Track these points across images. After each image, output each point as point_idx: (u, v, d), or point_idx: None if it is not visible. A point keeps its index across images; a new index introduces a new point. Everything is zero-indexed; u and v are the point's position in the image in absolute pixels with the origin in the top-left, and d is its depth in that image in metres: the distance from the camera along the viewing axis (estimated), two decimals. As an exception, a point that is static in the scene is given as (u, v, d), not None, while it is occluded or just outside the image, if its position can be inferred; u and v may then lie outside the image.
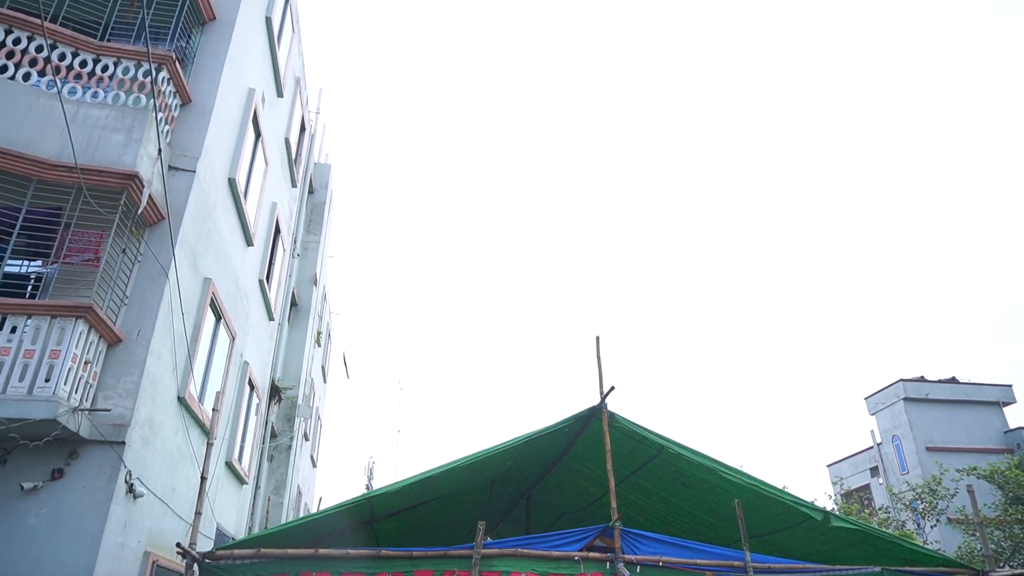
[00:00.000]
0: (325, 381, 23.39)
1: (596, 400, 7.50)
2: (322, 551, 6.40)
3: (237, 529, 12.05)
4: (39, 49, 8.07)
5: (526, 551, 6.36)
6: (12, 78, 7.82)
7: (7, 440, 6.48)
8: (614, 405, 7.59)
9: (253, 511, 13.37)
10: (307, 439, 18.73)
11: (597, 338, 7.68)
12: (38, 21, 8.09)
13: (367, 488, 37.84)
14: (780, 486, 7.70)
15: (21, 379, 6.48)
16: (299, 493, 17.75)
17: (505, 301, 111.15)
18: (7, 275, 7.26)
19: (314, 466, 22.12)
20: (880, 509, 24.02)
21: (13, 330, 6.70)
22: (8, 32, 7.99)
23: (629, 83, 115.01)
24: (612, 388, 7.38)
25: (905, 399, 29.41)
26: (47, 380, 6.50)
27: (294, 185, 15.37)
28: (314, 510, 20.62)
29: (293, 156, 14.69)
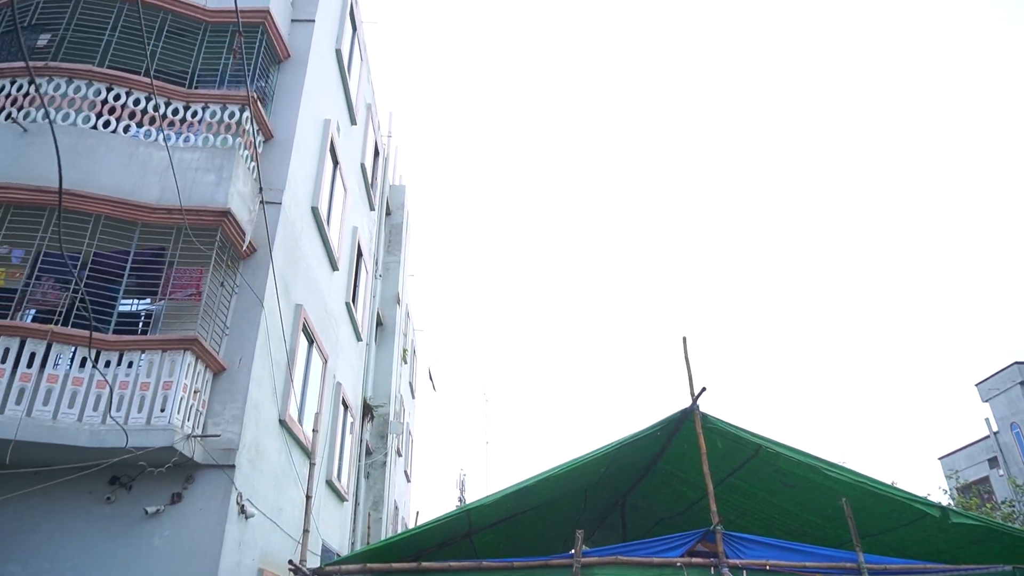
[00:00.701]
0: (413, 397, 23.90)
1: (687, 402, 7.38)
2: (425, 564, 6.54)
3: (341, 545, 12.45)
4: (136, 102, 8.66)
5: (627, 558, 6.31)
6: (114, 131, 8.42)
7: (130, 468, 6.95)
8: (706, 406, 7.45)
9: (354, 527, 13.78)
10: (400, 455, 19.17)
11: (684, 339, 7.56)
12: (134, 77, 8.70)
13: (460, 501, 38.33)
14: (888, 482, 7.34)
15: (140, 410, 6.94)
16: (396, 508, 18.17)
17: (588, 306, 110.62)
18: (121, 314, 7.78)
19: (408, 481, 22.59)
20: (1004, 503, 22.46)
21: (130, 365, 7.19)
22: (109, 89, 8.61)
23: (713, 83, 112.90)
24: (703, 389, 7.24)
25: (1023, 383, 27.43)
26: (162, 410, 6.94)
27: (372, 208, 15.84)
28: (411, 524, 21.01)
29: (369, 180, 15.16)
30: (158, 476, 7.06)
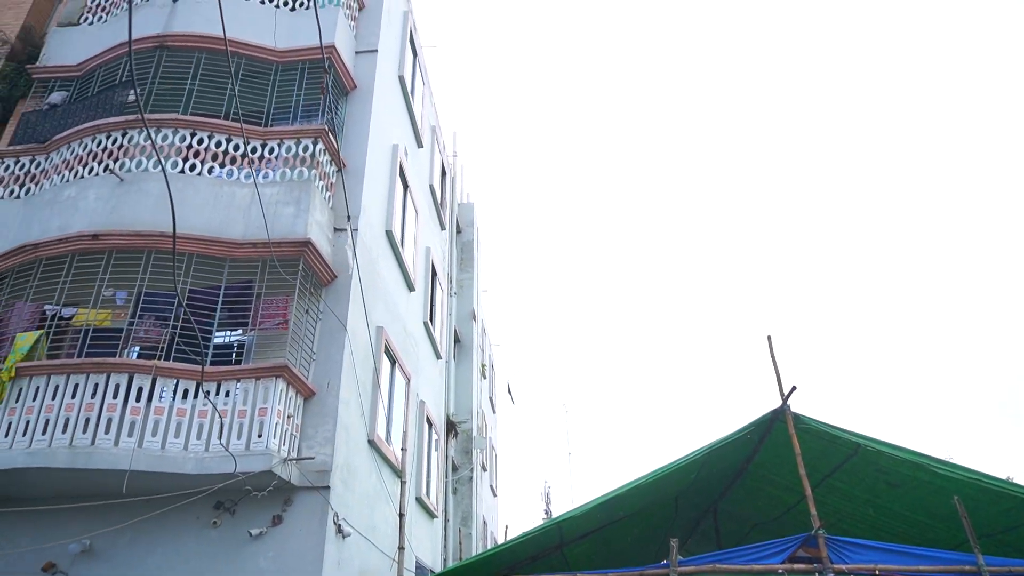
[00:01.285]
0: (494, 412, 24.06)
1: (777, 402, 7.16)
2: (518, 578, 6.56)
3: (433, 562, 12.62)
4: (218, 144, 9.13)
5: (725, 566, 6.15)
6: (199, 173, 8.89)
7: (233, 492, 7.27)
8: (798, 405, 7.20)
9: (445, 543, 13.94)
10: (485, 470, 19.31)
11: (768, 338, 7.35)
12: (215, 120, 9.18)
13: (545, 513, 38.20)
14: (1004, 477, 6.90)
15: (239, 437, 7.26)
16: (484, 523, 18.29)
17: (667, 310, 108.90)
18: (216, 346, 8.19)
19: (494, 495, 22.71)
20: None
21: (227, 394, 7.55)
22: (193, 135, 9.12)
23: (790, 86, 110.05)
24: (793, 388, 7.02)
25: None
26: (259, 435, 7.24)
27: (443, 227, 16.12)
28: (500, 538, 21.10)
29: (439, 200, 15.45)
30: (259, 499, 7.35)
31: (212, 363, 7.84)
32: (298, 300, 8.28)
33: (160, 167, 8.82)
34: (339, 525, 7.66)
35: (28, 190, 9.32)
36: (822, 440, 7.19)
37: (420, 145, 13.92)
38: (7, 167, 9.58)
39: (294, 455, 7.62)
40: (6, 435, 7.15)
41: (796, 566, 6.08)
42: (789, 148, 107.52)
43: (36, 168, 9.52)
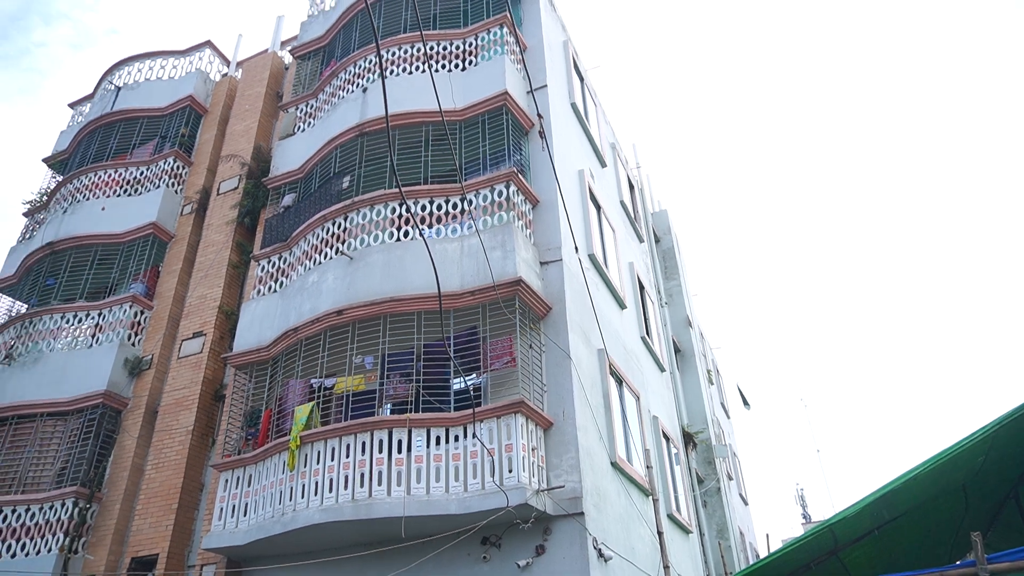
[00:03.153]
0: (728, 417, 23.08)
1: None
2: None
3: (697, 578, 12.28)
4: (423, 207, 9.91)
5: (1049, 559, 5.29)
6: (412, 238, 9.70)
7: (497, 527, 7.67)
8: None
9: (705, 559, 13.51)
10: (731, 479, 18.51)
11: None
12: (416, 187, 9.99)
13: (804, 518, 35.61)
14: None
15: (492, 474, 7.68)
16: (741, 534, 17.47)
17: (901, 284, 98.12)
18: (455, 392, 8.78)
19: (745, 504, 21.64)
20: None
21: (473, 436, 8.03)
22: (401, 204, 10.00)
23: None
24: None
25: None
26: (510, 471, 7.60)
27: (640, 240, 16.00)
28: (760, 549, 19.99)
29: (631, 214, 15.39)
30: (521, 532, 7.69)
31: (455, 408, 8.41)
32: (520, 336, 8.65)
33: (379, 240, 9.78)
34: (599, 549, 7.76)
35: (281, 283, 10.77)
36: None
37: (603, 165, 14.02)
38: (263, 267, 11.17)
39: (544, 485, 7.88)
40: (301, 496, 8.20)
41: None
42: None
43: (284, 263, 10.98)
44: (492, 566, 7.80)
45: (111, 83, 15.92)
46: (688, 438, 14.86)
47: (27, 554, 10.05)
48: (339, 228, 10.20)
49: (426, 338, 8.98)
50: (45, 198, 15.18)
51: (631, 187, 16.73)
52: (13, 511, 10.42)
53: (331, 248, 10.17)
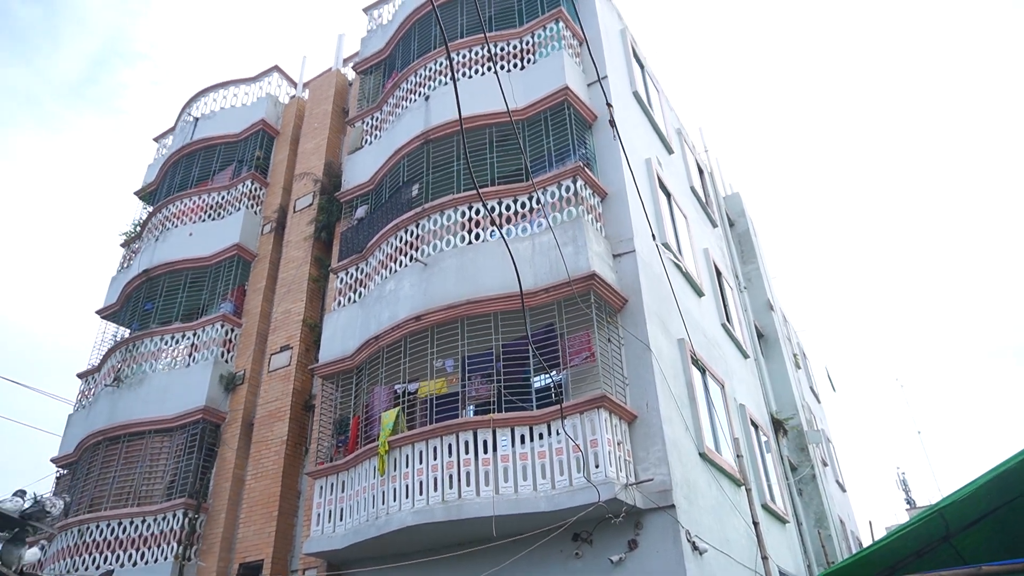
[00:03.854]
0: (819, 402, 22.24)
1: None
2: (907, 577, 5.87)
3: (797, 570, 11.88)
4: (492, 209, 9.98)
5: None
6: (483, 241, 9.77)
7: (587, 523, 7.64)
8: None
9: (804, 548, 13.06)
10: (826, 465, 17.82)
11: None
12: (484, 190, 10.05)
13: (908, 503, 33.93)
14: None
15: (578, 470, 7.66)
16: (842, 522, 16.79)
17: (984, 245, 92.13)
18: (537, 391, 8.79)
19: (843, 491, 20.78)
20: None
21: (557, 433, 8.03)
22: (470, 208, 10.09)
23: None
24: None
25: None
26: (596, 466, 7.55)
27: (714, 225, 15.62)
28: (863, 536, 19.19)
29: (703, 200, 15.04)
30: (612, 527, 7.63)
31: (537, 407, 8.42)
32: (598, 331, 8.59)
33: (452, 244, 9.90)
34: (693, 542, 7.62)
35: (360, 294, 11.06)
36: None
37: (670, 151, 13.76)
38: (341, 279, 11.50)
39: (632, 479, 7.80)
40: (393, 499, 8.40)
41: None
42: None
43: (361, 274, 11.27)
44: (585, 562, 7.77)
45: (189, 115, 16.74)
46: (777, 425, 14.40)
47: (146, 562, 10.68)
48: (412, 235, 10.38)
49: (504, 338, 9.03)
50: (139, 228, 16.09)
51: (700, 172, 16.35)
52: (131, 522, 11.10)
53: (405, 256, 10.37)
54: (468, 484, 8.02)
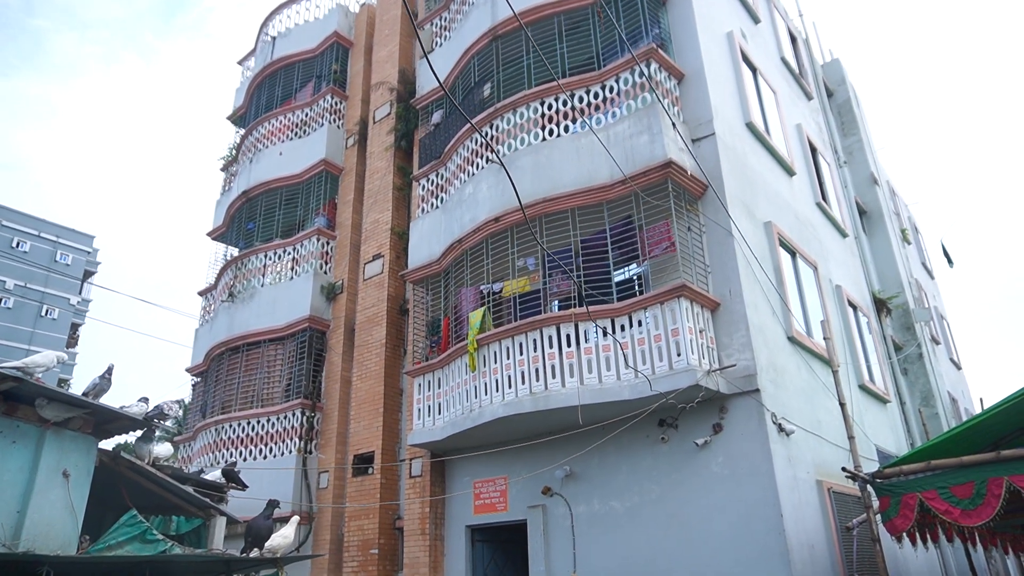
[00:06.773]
0: (932, 278, 21.03)
1: None
2: (1005, 452, 5.72)
3: (899, 448, 11.72)
4: (564, 103, 9.75)
5: None
6: (558, 136, 9.61)
7: (672, 409, 7.81)
8: None
9: (907, 427, 12.80)
10: (937, 343, 17.05)
11: None
12: (555, 84, 9.80)
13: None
14: None
15: (660, 359, 7.76)
16: (952, 400, 16.20)
17: None
18: (618, 284, 8.83)
19: (959, 369, 19.90)
20: None
21: (640, 324, 8.10)
22: (542, 103, 9.89)
23: None
24: None
25: None
26: (679, 354, 7.62)
27: (809, 98, 14.58)
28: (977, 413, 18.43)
29: (796, 70, 14.00)
30: (697, 412, 7.78)
31: (618, 299, 8.49)
32: (677, 220, 8.43)
33: (526, 142, 9.81)
34: (779, 424, 7.66)
35: (441, 199, 11.26)
36: None
37: (756, 21, 12.77)
38: (423, 186, 11.71)
39: (716, 365, 7.83)
40: (485, 393, 8.85)
41: None
42: None
43: (441, 179, 11.43)
44: (670, 447, 8.00)
45: (267, 34, 16.97)
46: (880, 304, 13.83)
47: (274, 455, 11.91)
48: (487, 136, 10.35)
49: (582, 233, 9.03)
50: (234, 152, 16.84)
51: (793, 40, 15.12)
52: (258, 421, 12.32)
53: (481, 158, 10.40)
54: (554, 377, 8.31)
